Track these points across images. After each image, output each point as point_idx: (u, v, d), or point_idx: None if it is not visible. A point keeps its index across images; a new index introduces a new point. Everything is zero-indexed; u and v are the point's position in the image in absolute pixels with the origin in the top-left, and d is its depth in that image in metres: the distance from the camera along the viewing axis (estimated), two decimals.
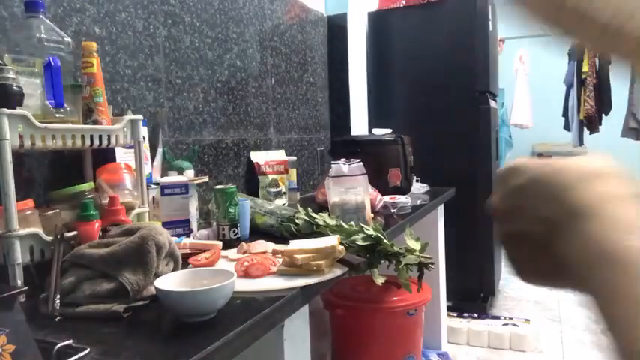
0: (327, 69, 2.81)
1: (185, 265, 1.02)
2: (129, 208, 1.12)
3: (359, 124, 2.90)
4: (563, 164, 0.40)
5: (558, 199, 0.38)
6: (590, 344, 2.68)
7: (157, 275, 0.85)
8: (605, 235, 0.36)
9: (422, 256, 1.02)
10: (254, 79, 2.10)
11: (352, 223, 1.22)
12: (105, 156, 1.22)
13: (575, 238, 0.37)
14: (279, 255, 1.07)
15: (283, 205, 1.79)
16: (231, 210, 1.31)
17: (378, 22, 3.00)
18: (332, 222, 1.25)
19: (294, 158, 2.22)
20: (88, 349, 0.65)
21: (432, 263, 1.07)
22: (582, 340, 2.72)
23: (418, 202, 1.93)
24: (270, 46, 2.23)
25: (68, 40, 1.08)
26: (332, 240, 1.07)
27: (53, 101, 1.00)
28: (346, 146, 2.24)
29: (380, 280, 1.04)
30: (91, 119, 1.07)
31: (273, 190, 1.92)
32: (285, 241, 1.13)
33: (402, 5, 2.99)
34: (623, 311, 0.35)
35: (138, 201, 1.17)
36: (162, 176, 1.47)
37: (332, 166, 1.76)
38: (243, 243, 1.21)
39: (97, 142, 1.07)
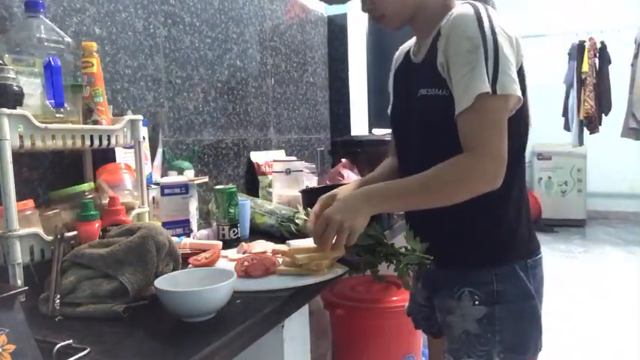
0: (327, 69, 2.81)
1: (185, 265, 1.02)
2: (129, 208, 1.12)
3: (359, 124, 2.90)
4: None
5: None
6: (591, 342, 2.68)
7: (156, 275, 0.85)
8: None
9: (422, 256, 1.02)
10: (254, 79, 2.10)
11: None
12: (105, 156, 1.22)
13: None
14: (279, 255, 1.07)
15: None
16: (231, 210, 1.31)
17: None
18: None
19: (294, 158, 2.22)
20: (88, 349, 0.65)
21: (433, 263, 1.07)
22: (581, 337, 2.72)
23: None
24: (270, 46, 2.23)
25: (68, 40, 1.08)
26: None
27: (53, 101, 1.00)
28: (346, 146, 2.24)
29: (380, 280, 1.04)
30: (91, 119, 1.07)
31: (273, 190, 1.91)
32: (285, 241, 1.13)
33: None
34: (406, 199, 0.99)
35: (138, 201, 1.17)
36: (162, 176, 1.47)
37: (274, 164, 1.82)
38: (243, 243, 1.21)
39: (97, 142, 1.07)
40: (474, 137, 0.92)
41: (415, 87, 1.04)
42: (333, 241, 0.95)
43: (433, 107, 1.00)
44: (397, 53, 1.23)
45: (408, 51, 1.15)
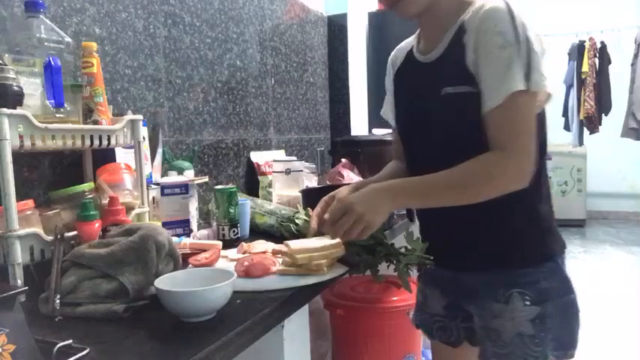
0: (327, 69, 2.81)
1: (185, 265, 1.02)
2: (129, 208, 1.12)
3: (359, 124, 2.90)
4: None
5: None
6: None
7: (156, 275, 0.85)
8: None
9: (422, 256, 1.02)
10: (254, 79, 2.10)
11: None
12: (105, 156, 1.22)
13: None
14: (279, 255, 1.07)
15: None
16: (231, 210, 1.31)
17: (378, 22, 3.00)
18: None
19: (294, 158, 2.22)
20: (88, 349, 0.65)
21: (433, 263, 1.07)
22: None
23: None
24: (270, 46, 2.23)
25: (68, 40, 1.08)
26: (333, 239, 1.07)
27: (53, 101, 1.00)
28: (346, 146, 2.24)
29: (380, 280, 1.04)
30: (91, 119, 1.07)
31: (273, 190, 1.92)
32: (284, 242, 1.13)
33: None
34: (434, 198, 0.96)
35: (138, 201, 1.17)
36: (162, 176, 1.47)
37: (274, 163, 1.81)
38: (243, 243, 1.21)
39: (97, 142, 1.07)
40: (505, 134, 0.91)
41: (433, 86, 0.99)
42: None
43: (462, 105, 0.96)
44: (393, 55, 1.19)
45: (410, 51, 1.11)
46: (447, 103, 0.97)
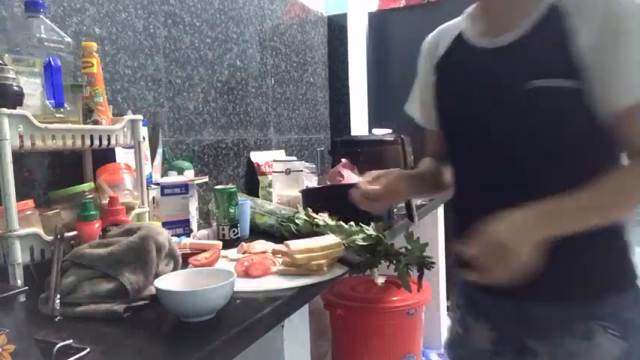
0: (327, 69, 2.81)
1: (185, 265, 1.02)
2: (129, 208, 1.12)
3: (359, 124, 2.90)
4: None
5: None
6: None
7: (157, 275, 0.85)
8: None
9: (422, 256, 1.02)
10: (254, 79, 2.10)
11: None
12: (105, 156, 1.22)
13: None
14: (279, 255, 1.07)
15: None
16: (231, 210, 1.31)
17: (378, 22, 3.00)
18: (332, 222, 1.25)
19: (294, 158, 2.22)
20: (88, 349, 0.65)
21: (433, 263, 1.07)
22: None
23: (418, 202, 1.93)
24: (270, 46, 2.23)
25: (68, 40, 1.08)
26: (334, 239, 1.07)
27: (53, 101, 1.00)
28: (346, 146, 2.24)
29: (380, 280, 1.04)
30: (91, 119, 1.07)
31: (273, 190, 1.92)
32: (284, 242, 1.13)
33: (402, 5, 2.99)
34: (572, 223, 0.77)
35: (138, 201, 1.17)
36: (162, 176, 1.47)
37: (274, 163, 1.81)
38: (243, 243, 1.21)
39: (97, 142, 1.07)
40: None
41: (506, 77, 0.83)
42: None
43: (558, 103, 0.79)
44: (432, 40, 1.02)
45: (459, 34, 0.94)
46: (533, 98, 0.80)
